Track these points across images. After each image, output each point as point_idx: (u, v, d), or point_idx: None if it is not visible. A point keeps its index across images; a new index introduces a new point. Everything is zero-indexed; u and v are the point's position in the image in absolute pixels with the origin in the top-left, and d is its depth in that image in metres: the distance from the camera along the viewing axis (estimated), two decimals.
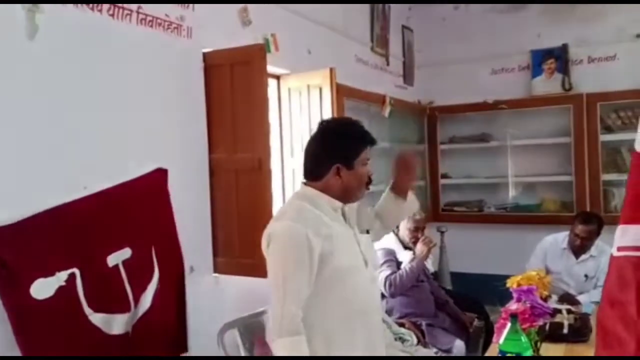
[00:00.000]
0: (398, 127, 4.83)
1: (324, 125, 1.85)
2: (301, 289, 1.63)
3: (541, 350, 2.19)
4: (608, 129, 4.88)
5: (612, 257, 1.18)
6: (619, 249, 1.15)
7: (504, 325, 1.83)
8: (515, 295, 2.33)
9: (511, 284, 2.48)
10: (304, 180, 1.84)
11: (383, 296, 3.16)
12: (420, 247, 3.18)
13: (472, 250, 5.28)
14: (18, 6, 1.99)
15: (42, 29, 2.05)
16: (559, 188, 5.17)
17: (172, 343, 2.49)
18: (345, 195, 1.79)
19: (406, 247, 3.32)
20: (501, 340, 1.76)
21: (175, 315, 2.51)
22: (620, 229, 1.15)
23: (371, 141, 1.81)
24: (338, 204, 1.79)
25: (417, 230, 3.29)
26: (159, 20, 2.56)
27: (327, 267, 1.67)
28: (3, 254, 1.87)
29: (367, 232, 1.96)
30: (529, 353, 1.74)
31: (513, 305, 2.17)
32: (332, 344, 1.68)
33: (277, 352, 1.59)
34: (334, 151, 1.76)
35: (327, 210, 1.76)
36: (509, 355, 1.70)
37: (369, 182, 1.81)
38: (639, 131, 1.10)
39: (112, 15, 2.34)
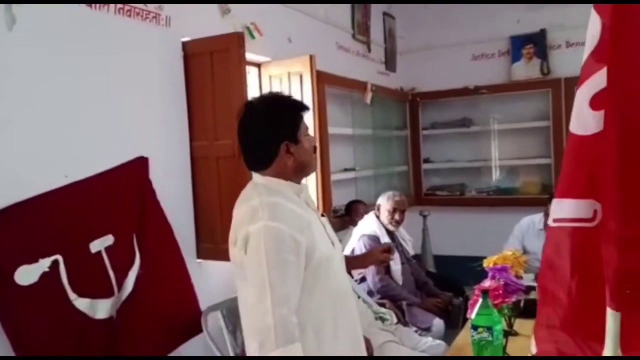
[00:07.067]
0: (380, 114, 4.88)
1: (253, 107, 1.69)
2: (290, 293, 1.49)
3: (515, 325, 2.27)
4: None
5: (548, 228, 1.28)
6: (555, 220, 1.24)
7: (476, 302, 1.91)
8: (490, 273, 2.41)
9: (488, 263, 2.55)
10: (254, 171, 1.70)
11: (363, 279, 3.22)
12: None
13: (453, 233, 5.39)
14: None
15: (20, 20, 2.07)
16: (540, 171, 5.27)
17: (174, 326, 2.51)
18: (301, 172, 1.70)
19: (389, 232, 3.36)
20: (473, 315, 1.84)
21: (167, 300, 2.50)
22: (555, 202, 1.24)
23: (305, 107, 1.71)
24: (300, 188, 1.70)
25: (395, 211, 3.32)
26: (137, 10, 2.58)
27: (312, 261, 1.57)
28: None
29: (322, 215, 1.93)
30: (500, 326, 1.81)
31: (486, 283, 2.25)
32: (322, 336, 1.61)
33: None
34: (277, 130, 1.63)
35: (293, 199, 1.65)
36: (480, 329, 1.78)
37: (315, 150, 1.74)
38: (573, 113, 1.16)
39: (89, 5, 2.36)
